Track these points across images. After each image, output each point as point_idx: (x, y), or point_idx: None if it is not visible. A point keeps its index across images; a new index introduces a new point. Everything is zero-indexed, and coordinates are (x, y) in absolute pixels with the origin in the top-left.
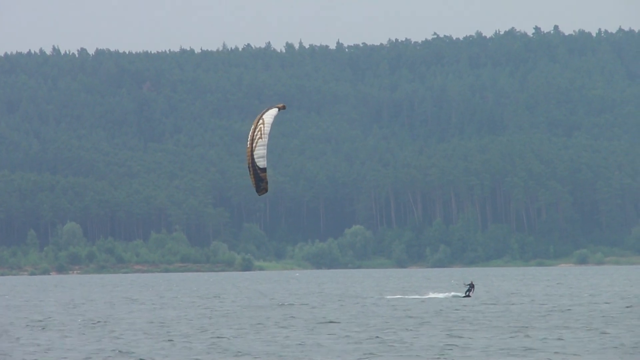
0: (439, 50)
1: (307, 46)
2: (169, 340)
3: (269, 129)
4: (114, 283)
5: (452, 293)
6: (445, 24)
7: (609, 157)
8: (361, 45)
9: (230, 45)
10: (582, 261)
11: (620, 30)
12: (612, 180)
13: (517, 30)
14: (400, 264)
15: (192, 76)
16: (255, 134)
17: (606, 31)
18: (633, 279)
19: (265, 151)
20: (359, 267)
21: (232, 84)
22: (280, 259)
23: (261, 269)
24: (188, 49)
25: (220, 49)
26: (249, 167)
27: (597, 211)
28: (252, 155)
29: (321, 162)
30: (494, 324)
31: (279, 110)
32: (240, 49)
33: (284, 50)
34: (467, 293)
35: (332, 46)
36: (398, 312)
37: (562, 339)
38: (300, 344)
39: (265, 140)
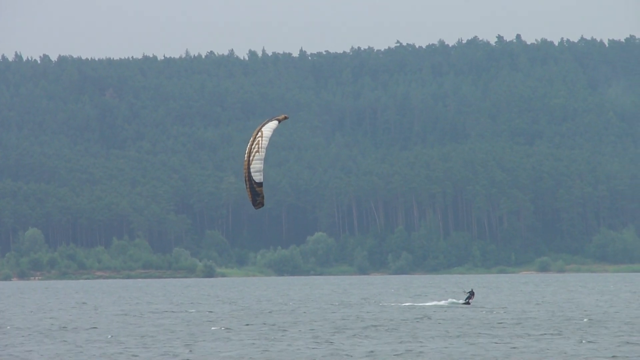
0: (402, 59)
1: (270, 54)
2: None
3: (267, 142)
4: (66, 289)
5: (450, 299)
6: (408, 33)
7: (571, 166)
8: (324, 53)
9: (193, 52)
10: (544, 269)
11: (582, 39)
12: (574, 189)
13: (480, 39)
14: (362, 271)
15: (155, 83)
16: (253, 147)
17: (568, 40)
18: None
19: (262, 165)
20: (321, 274)
21: (195, 91)
22: (243, 265)
23: (223, 275)
24: (151, 55)
25: (183, 56)
26: (245, 181)
27: (559, 219)
28: (248, 169)
29: (284, 170)
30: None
31: (279, 122)
32: (203, 56)
33: (247, 58)
34: (467, 300)
35: (295, 54)
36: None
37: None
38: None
39: (262, 154)
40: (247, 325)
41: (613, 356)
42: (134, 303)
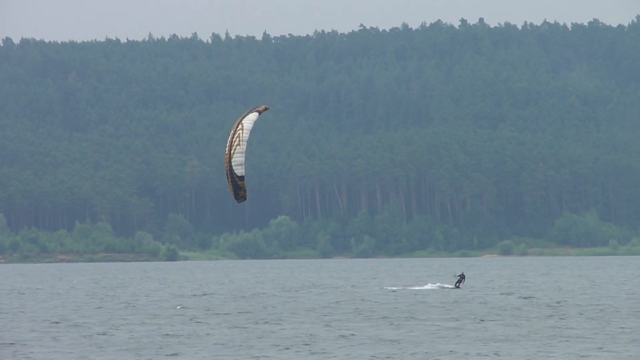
0: (365, 42)
1: (233, 37)
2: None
3: (247, 135)
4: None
5: (439, 284)
6: (372, 16)
7: (534, 150)
8: (287, 36)
9: (157, 35)
10: (506, 252)
11: (546, 22)
12: (536, 173)
13: (443, 22)
14: (325, 255)
15: (118, 66)
16: (234, 140)
17: (531, 24)
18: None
19: (244, 158)
20: (283, 257)
21: (158, 75)
22: (205, 249)
23: (186, 259)
24: (114, 38)
25: (146, 39)
26: (227, 175)
27: (521, 203)
28: (229, 162)
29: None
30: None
31: (259, 114)
32: (166, 40)
33: (210, 41)
34: (457, 284)
35: (259, 37)
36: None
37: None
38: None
39: (243, 147)
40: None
41: None
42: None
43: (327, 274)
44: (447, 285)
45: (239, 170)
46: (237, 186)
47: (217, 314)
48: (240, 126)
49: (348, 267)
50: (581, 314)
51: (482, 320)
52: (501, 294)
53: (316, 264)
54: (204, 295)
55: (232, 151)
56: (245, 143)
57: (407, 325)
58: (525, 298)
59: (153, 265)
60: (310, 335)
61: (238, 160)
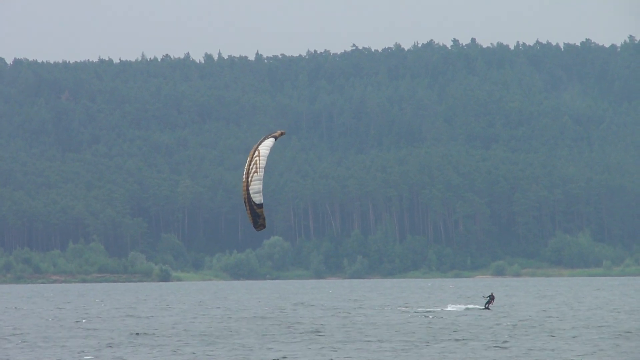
0: (358, 62)
1: (226, 57)
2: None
3: (264, 162)
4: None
5: (470, 305)
6: (364, 36)
7: (526, 170)
8: (280, 56)
9: (149, 55)
10: (499, 273)
11: (538, 43)
12: (529, 193)
13: (436, 42)
14: (318, 275)
15: (111, 86)
16: (251, 167)
17: (524, 44)
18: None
19: (261, 186)
20: (277, 278)
21: (151, 95)
22: (198, 269)
23: (179, 279)
24: (107, 59)
25: (139, 59)
26: (245, 202)
27: (514, 223)
28: (247, 190)
29: (240, 173)
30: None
31: (275, 139)
32: (159, 60)
33: (202, 61)
34: (486, 305)
35: (251, 57)
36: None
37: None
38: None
39: (261, 174)
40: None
41: None
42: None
43: (343, 294)
44: (471, 306)
45: (257, 198)
46: (256, 214)
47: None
48: (257, 153)
49: (355, 287)
50: None
51: None
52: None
53: (313, 284)
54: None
55: (249, 179)
56: (263, 170)
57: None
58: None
59: (165, 287)
60: None
61: (256, 187)
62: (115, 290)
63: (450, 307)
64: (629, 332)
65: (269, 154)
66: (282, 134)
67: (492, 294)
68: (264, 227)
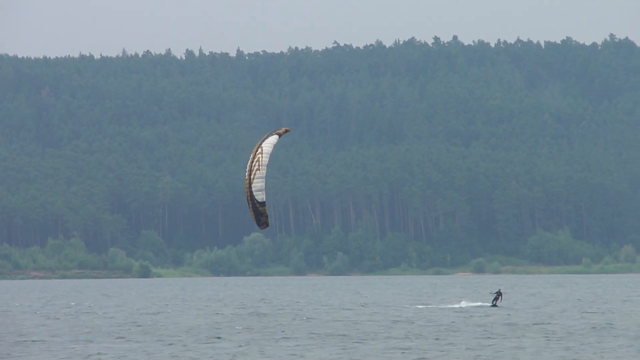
0: (339, 59)
1: (207, 53)
2: None
3: (267, 159)
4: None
5: (479, 303)
6: (345, 33)
7: (506, 167)
8: (261, 53)
9: (130, 51)
10: (479, 270)
11: (519, 40)
12: (509, 190)
13: (417, 40)
14: (299, 272)
15: (91, 82)
16: (253, 164)
17: (505, 42)
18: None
19: (264, 184)
20: (257, 274)
21: (132, 90)
22: (179, 266)
23: (159, 275)
24: (87, 54)
25: (120, 55)
26: (247, 201)
27: (494, 221)
28: (250, 188)
29: (220, 170)
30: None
31: (279, 136)
32: (139, 56)
33: (183, 57)
34: (494, 302)
35: (232, 53)
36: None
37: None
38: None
39: (263, 172)
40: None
41: None
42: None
43: (348, 292)
44: (479, 304)
45: (259, 196)
46: (259, 212)
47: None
48: (259, 150)
49: (344, 284)
50: None
51: None
52: None
53: (294, 280)
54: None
55: (252, 176)
56: (266, 168)
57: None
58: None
59: (159, 282)
60: None
61: (258, 185)
62: (103, 286)
63: (463, 304)
64: None
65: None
66: (286, 131)
67: (499, 290)
68: (267, 225)
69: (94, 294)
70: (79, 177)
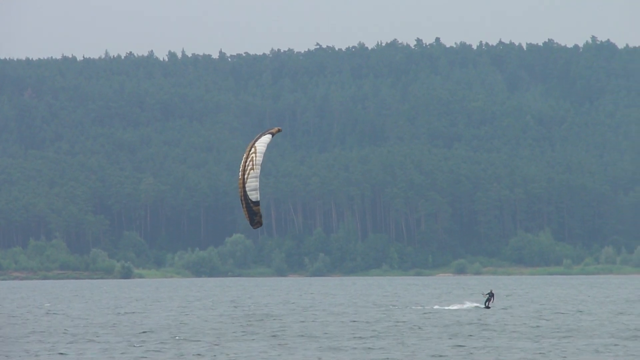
0: (321, 61)
1: (189, 55)
2: None
3: (261, 158)
4: None
5: (472, 304)
6: (328, 35)
7: (488, 169)
8: (244, 54)
9: (113, 53)
10: (460, 271)
11: (501, 43)
12: (491, 192)
13: (399, 42)
14: (280, 273)
15: (74, 84)
16: (247, 164)
17: (487, 44)
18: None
19: (258, 183)
20: (239, 275)
21: (114, 92)
22: (160, 267)
23: (141, 276)
24: (70, 56)
25: (103, 56)
26: (241, 201)
27: (476, 222)
28: (244, 188)
29: (203, 171)
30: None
31: (272, 135)
32: (122, 57)
33: (166, 59)
34: (487, 304)
35: (215, 55)
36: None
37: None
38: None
39: (257, 171)
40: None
41: None
42: None
43: (344, 293)
44: (476, 305)
45: (253, 196)
46: (252, 212)
47: None
48: (253, 149)
49: (337, 285)
50: None
51: None
52: None
53: (275, 282)
54: None
55: (245, 176)
56: (259, 167)
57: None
58: None
59: (145, 283)
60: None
61: (252, 185)
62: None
63: (463, 305)
64: None
65: (266, 150)
66: (278, 130)
67: (491, 291)
68: (261, 224)
69: (67, 295)
70: (61, 178)
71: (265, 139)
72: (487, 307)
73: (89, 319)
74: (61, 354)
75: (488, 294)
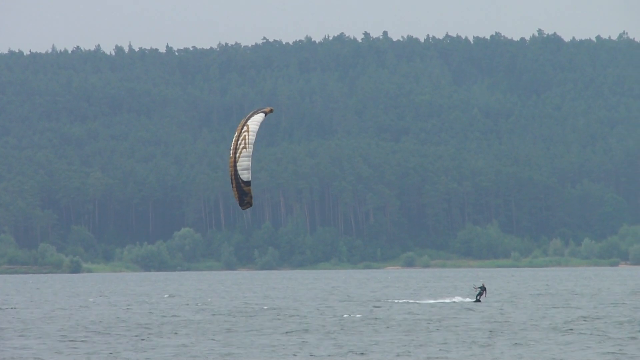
0: (269, 55)
1: (136, 49)
2: None
3: (254, 137)
4: None
5: (459, 298)
6: (275, 29)
7: (436, 162)
8: (191, 48)
9: (60, 47)
10: (409, 264)
11: (448, 36)
12: (439, 185)
13: (347, 35)
14: (229, 267)
15: (21, 78)
16: (239, 142)
17: (434, 37)
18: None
19: (250, 163)
20: (187, 269)
21: (62, 86)
22: (109, 261)
23: (89, 271)
24: (17, 50)
25: (50, 51)
26: (231, 180)
27: (424, 215)
28: (235, 167)
29: (150, 165)
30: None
31: (265, 115)
32: (69, 52)
33: (113, 53)
34: (478, 297)
35: (162, 49)
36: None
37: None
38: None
39: (250, 150)
40: None
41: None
42: None
43: (333, 286)
44: (468, 299)
45: (245, 175)
46: (243, 192)
47: None
48: (245, 128)
49: (316, 278)
50: None
51: None
52: None
53: (225, 275)
54: None
55: (237, 155)
56: (252, 146)
57: None
58: None
59: (98, 278)
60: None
61: (244, 164)
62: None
63: (457, 299)
64: None
65: (259, 129)
66: (271, 110)
67: (483, 284)
68: (251, 205)
69: (6, 290)
70: (8, 173)
71: (258, 117)
72: (478, 301)
73: (28, 312)
74: None
75: (480, 287)
